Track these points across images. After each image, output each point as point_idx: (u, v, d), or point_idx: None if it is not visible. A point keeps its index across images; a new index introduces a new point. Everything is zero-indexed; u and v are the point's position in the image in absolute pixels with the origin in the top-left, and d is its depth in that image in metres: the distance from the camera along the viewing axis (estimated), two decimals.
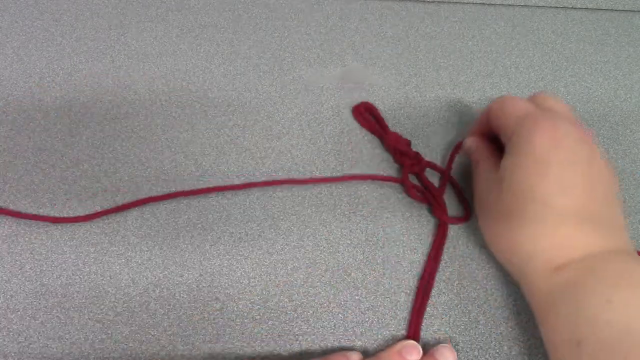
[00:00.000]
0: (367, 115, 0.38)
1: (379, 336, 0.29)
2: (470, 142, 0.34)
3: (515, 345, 0.29)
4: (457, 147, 0.35)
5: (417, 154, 0.35)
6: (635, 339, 0.22)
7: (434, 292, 0.30)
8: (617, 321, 0.22)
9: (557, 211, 0.26)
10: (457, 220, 0.33)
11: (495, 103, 0.31)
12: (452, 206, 0.34)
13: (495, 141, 0.32)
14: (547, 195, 0.26)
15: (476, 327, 0.29)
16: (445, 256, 0.32)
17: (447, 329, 0.29)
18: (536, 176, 0.26)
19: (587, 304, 0.24)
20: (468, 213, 0.33)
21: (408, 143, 0.36)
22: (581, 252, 0.25)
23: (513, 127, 0.28)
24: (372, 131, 0.37)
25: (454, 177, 0.35)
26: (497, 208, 0.28)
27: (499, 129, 0.30)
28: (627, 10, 0.49)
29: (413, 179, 0.35)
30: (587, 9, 0.49)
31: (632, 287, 0.23)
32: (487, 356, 0.28)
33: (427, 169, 0.35)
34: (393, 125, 0.38)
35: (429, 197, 0.33)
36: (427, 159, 0.36)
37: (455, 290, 0.30)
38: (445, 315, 0.29)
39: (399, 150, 0.35)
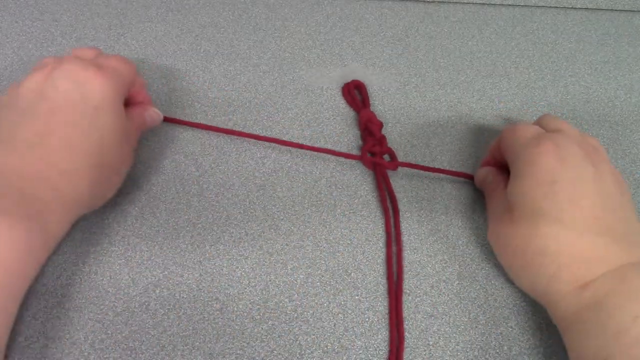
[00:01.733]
0: (354, 92, 0.39)
1: (379, 336, 0.29)
2: (486, 172, 0.33)
3: (515, 345, 0.29)
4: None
5: (383, 137, 0.36)
6: None
7: (434, 292, 0.30)
8: None
9: (572, 226, 0.26)
10: (389, 164, 0.34)
11: (507, 129, 0.31)
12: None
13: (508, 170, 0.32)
14: (559, 212, 0.26)
15: (476, 327, 0.29)
16: (445, 256, 0.32)
17: (447, 329, 0.29)
18: (545, 196, 0.26)
19: (615, 321, 0.23)
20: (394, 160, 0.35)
21: (380, 125, 0.36)
22: (604, 266, 0.25)
23: (518, 151, 0.29)
24: (354, 108, 0.39)
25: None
26: (512, 236, 0.28)
27: (506, 154, 0.30)
28: (627, 10, 0.49)
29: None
30: (587, 9, 0.49)
31: None
32: (487, 356, 0.28)
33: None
34: (393, 125, 0.38)
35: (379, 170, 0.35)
36: (427, 159, 0.36)
37: (455, 290, 0.30)
38: (446, 315, 0.29)
39: (368, 129, 0.36)
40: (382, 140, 0.35)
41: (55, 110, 0.27)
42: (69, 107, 0.27)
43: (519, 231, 0.27)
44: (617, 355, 0.23)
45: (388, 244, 0.32)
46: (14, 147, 0.26)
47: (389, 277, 0.30)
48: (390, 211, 0.33)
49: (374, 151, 0.35)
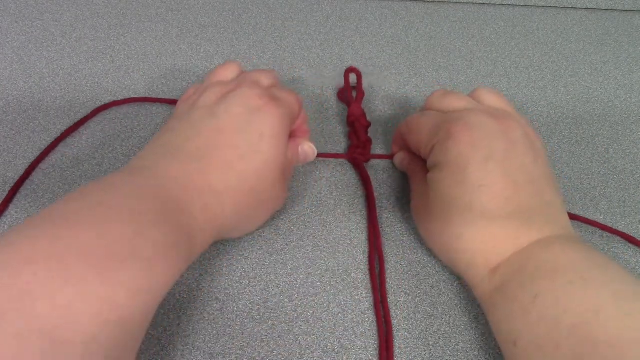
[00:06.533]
0: (348, 81, 0.38)
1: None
2: (401, 158, 0.34)
3: None
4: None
5: (368, 140, 0.35)
6: (563, 332, 0.21)
7: (434, 292, 0.30)
8: (546, 316, 0.22)
9: (483, 212, 0.26)
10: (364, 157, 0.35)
11: (401, 126, 0.32)
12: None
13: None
14: (471, 199, 0.26)
15: (476, 327, 0.29)
16: None
17: (447, 328, 0.29)
18: (457, 184, 0.26)
19: (518, 302, 0.23)
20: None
21: (367, 125, 0.36)
22: (513, 248, 0.25)
23: (428, 142, 0.29)
24: (343, 101, 0.38)
25: None
26: (431, 221, 0.28)
27: (416, 149, 0.31)
28: (627, 10, 0.49)
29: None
30: (587, 9, 0.49)
31: (556, 277, 0.23)
32: (487, 356, 0.28)
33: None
34: (393, 125, 0.38)
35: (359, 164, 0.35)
36: None
37: (455, 291, 0.30)
38: (445, 315, 0.29)
39: (355, 129, 0.35)
40: (366, 144, 0.35)
41: (221, 130, 0.27)
42: (234, 130, 0.27)
43: (437, 218, 0.28)
44: (523, 337, 0.23)
45: (370, 240, 0.32)
46: (179, 158, 0.26)
47: (371, 270, 0.31)
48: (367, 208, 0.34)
49: (357, 153, 0.35)
